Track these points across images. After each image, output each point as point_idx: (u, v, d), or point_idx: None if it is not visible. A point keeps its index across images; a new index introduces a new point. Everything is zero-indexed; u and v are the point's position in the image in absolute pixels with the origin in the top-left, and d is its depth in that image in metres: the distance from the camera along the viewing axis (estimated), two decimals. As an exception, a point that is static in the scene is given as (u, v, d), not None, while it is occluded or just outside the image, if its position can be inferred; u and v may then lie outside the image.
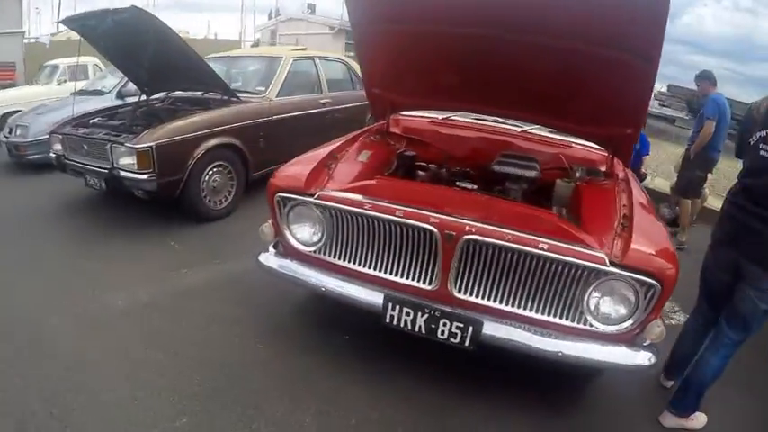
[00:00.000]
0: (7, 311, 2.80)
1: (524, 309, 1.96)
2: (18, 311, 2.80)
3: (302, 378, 2.35)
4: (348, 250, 2.21)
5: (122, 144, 3.66)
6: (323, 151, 2.63)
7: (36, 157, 5.87)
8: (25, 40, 13.17)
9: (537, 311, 1.95)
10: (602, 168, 2.65)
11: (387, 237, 2.07)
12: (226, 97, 4.41)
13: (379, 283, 2.14)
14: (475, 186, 2.49)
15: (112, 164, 3.76)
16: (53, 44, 14.14)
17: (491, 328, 1.93)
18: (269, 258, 2.44)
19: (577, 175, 2.56)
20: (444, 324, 1.97)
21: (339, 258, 2.24)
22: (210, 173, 4.06)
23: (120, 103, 6.29)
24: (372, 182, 2.31)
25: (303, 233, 2.31)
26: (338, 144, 2.77)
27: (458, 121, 3.23)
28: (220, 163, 4.13)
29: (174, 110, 4.52)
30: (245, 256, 3.53)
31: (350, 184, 2.28)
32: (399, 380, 2.34)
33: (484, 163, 2.77)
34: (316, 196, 2.18)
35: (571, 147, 2.93)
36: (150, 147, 3.58)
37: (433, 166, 2.89)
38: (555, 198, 2.55)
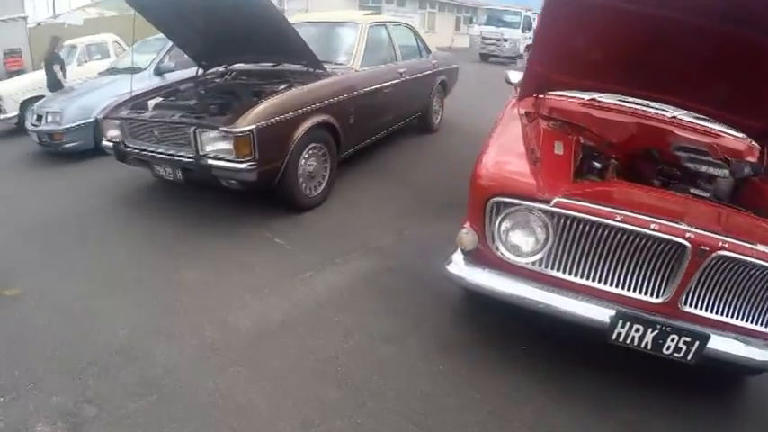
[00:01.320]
0: (103, 343, 2.25)
1: (745, 321, 1.90)
2: (117, 343, 2.25)
3: (503, 399, 2.05)
4: (573, 263, 1.97)
5: (214, 128, 3.07)
6: (514, 142, 2.34)
7: (74, 144, 5.42)
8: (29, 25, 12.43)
9: (756, 323, 1.91)
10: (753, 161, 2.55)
11: (626, 249, 1.88)
12: (311, 69, 3.80)
13: (601, 296, 1.95)
14: (707, 195, 2.32)
15: (197, 151, 3.18)
16: (51, 27, 13.32)
17: (714, 342, 1.86)
18: (466, 271, 2.10)
19: (745, 171, 2.40)
20: (672, 339, 1.87)
21: (561, 271, 1.99)
22: (306, 156, 3.50)
23: (159, 80, 5.71)
24: (607, 187, 2.11)
25: (521, 243, 1.99)
26: (516, 131, 2.46)
27: (604, 103, 2.99)
28: (315, 145, 3.57)
29: (245, 85, 3.93)
30: (369, 251, 3.10)
31: (583, 189, 1.98)
32: (593, 390, 2.10)
33: (639, 150, 2.65)
34: (553, 203, 1.86)
35: (721, 136, 2.82)
36: (250, 130, 2.99)
37: (596, 154, 2.61)
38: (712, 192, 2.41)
